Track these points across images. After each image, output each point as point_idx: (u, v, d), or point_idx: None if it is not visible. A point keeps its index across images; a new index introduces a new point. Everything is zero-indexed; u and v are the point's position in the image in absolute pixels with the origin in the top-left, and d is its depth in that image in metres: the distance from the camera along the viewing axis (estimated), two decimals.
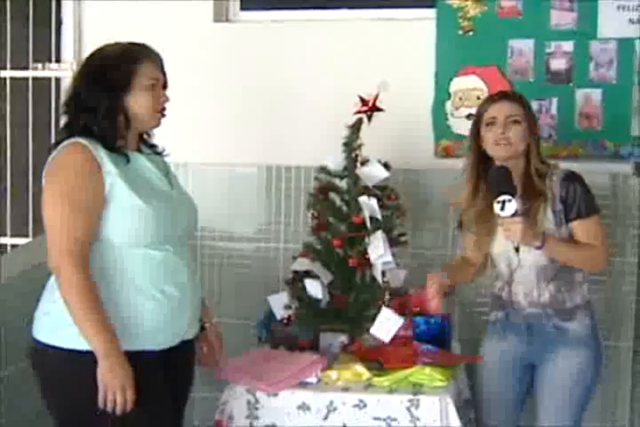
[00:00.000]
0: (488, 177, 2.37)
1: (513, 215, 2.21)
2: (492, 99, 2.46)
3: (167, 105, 2.17)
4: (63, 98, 2.17)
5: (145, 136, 2.23)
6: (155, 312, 2.06)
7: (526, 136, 2.40)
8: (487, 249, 2.50)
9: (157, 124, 2.17)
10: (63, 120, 2.13)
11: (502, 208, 2.22)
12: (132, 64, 2.08)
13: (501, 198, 2.21)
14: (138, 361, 2.00)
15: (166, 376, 2.11)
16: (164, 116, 2.16)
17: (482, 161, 2.45)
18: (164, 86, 2.18)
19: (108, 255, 2.04)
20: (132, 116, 2.10)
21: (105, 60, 2.09)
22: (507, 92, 2.60)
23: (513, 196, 2.22)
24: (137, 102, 2.09)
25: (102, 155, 2.02)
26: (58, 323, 2.01)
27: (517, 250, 2.29)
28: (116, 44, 2.13)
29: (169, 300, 2.07)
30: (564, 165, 2.52)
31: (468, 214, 2.49)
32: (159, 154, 2.26)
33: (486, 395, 2.55)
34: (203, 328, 2.29)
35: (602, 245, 2.38)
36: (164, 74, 2.17)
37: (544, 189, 2.37)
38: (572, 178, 2.39)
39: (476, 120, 2.47)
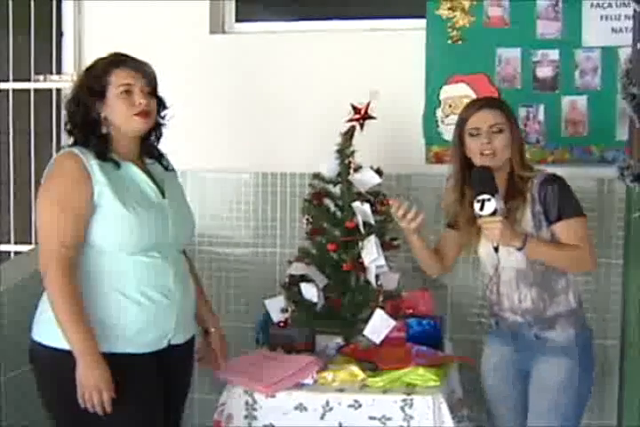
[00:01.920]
0: (471, 179, 2.33)
1: (492, 214, 2.19)
2: (474, 106, 2.39)
3: (167, 114, 2.23)
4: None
5: (154, 142, 2.26)
6: (137, 316, 2.11)
7: (510, 143, 2.35)
8: (473, 249, 2.46)
9: (141, 128, 2.17)
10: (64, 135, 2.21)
11: (482, 207, 2.19)
12: (102, 77, 2.12)
13: (481, 198, 2.19)
14: (124, 363, 2.06)
15: (157, 378, 2.15)
16: (146, 118, 2.15)
17: (466, 167, 2.40)
18: (153, 93, 2.18)
19: (94, 260, 2.10)
20: (114, 126, 2.14)
21: (80, 78, 2.17)
22: (489, 98, 2.51)
23: (493, 195, 2.19)
24: (113, 111, 2.13)
25: (93, 163, 2.09)
26: (51, 323, 2.06)
27: (496, 250, 2.26)
28: (97, 59, 2.18)
29: (153, 304, 2.12)
30: (551, 170, 2.50)
31: (459, 218, 2.45)
32: (163, 165, 2.29)
33: (490, 402, 2.52)
34: (207, 332, 2.35)
35: (587, 246, 2.31)
36: (148, 79, 2.17)
37: (525, 190, 2.33)
38: (551, 180, 2.34)
39: (459, 127, 2.40)
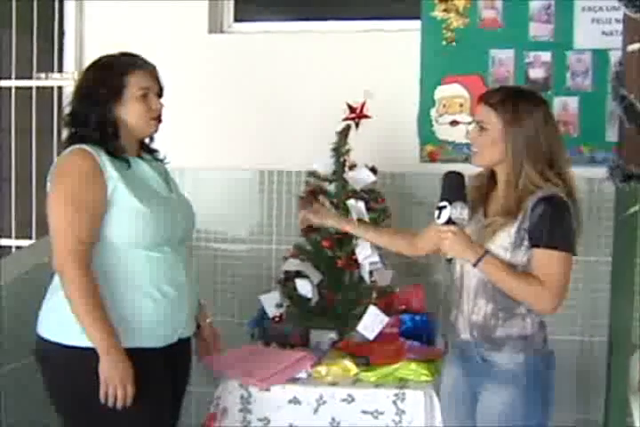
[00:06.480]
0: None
1: (447, 223, 1.99)
2: (480, 97, 2.14)
3: (166, 113, 2.23)
4: (65, 109, 2.24)
5: (147, 140, 2.28)
6: (154, 311, 2.13)
7: (494, 145, 2.07)
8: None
9: (154, 131, 2.23)
10: (65, 131, 2.20)
11: (439, 215, 2.00)
12: (122, 76, 2.13)
13: (439, 204, 2.01)
14: (139, 357, 2.07)
15: (166, 372, 2.18)
16: (160, 122, 2.21)
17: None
18: (160, 94, 2.22)
19: (109, 256, 2.11)
20: (126, 126, 2.16)
21: (96, 74, 2.16)
22: (492, 93, 2.15)
23: (451, 203, 1.98)
24: (129, 112, 2.14)
25: (104, 160, 2.09)
26: (62, 321, 2.07)
27: (449, 261, 2.10)
28: (109, 56, 2.19)
29: (167, 299, 2.15)
30: None
31: None
32: (160, 160, 2.32)
33: (447, 423, 2.31)
34: (199, 326, 2.36)
35: (553, 286, 1.99)
36: (158, 81, 2.22)
37: (513, 208, 2.04)
38: (550, 199, 2.00)
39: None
